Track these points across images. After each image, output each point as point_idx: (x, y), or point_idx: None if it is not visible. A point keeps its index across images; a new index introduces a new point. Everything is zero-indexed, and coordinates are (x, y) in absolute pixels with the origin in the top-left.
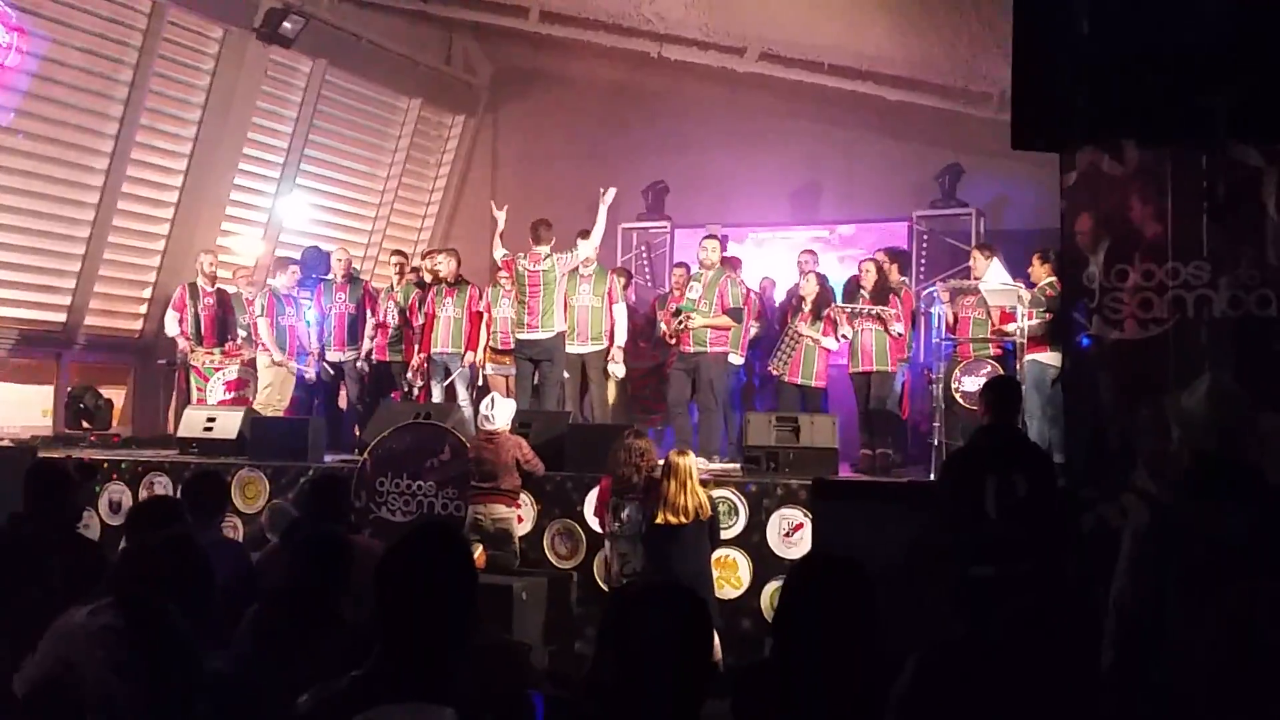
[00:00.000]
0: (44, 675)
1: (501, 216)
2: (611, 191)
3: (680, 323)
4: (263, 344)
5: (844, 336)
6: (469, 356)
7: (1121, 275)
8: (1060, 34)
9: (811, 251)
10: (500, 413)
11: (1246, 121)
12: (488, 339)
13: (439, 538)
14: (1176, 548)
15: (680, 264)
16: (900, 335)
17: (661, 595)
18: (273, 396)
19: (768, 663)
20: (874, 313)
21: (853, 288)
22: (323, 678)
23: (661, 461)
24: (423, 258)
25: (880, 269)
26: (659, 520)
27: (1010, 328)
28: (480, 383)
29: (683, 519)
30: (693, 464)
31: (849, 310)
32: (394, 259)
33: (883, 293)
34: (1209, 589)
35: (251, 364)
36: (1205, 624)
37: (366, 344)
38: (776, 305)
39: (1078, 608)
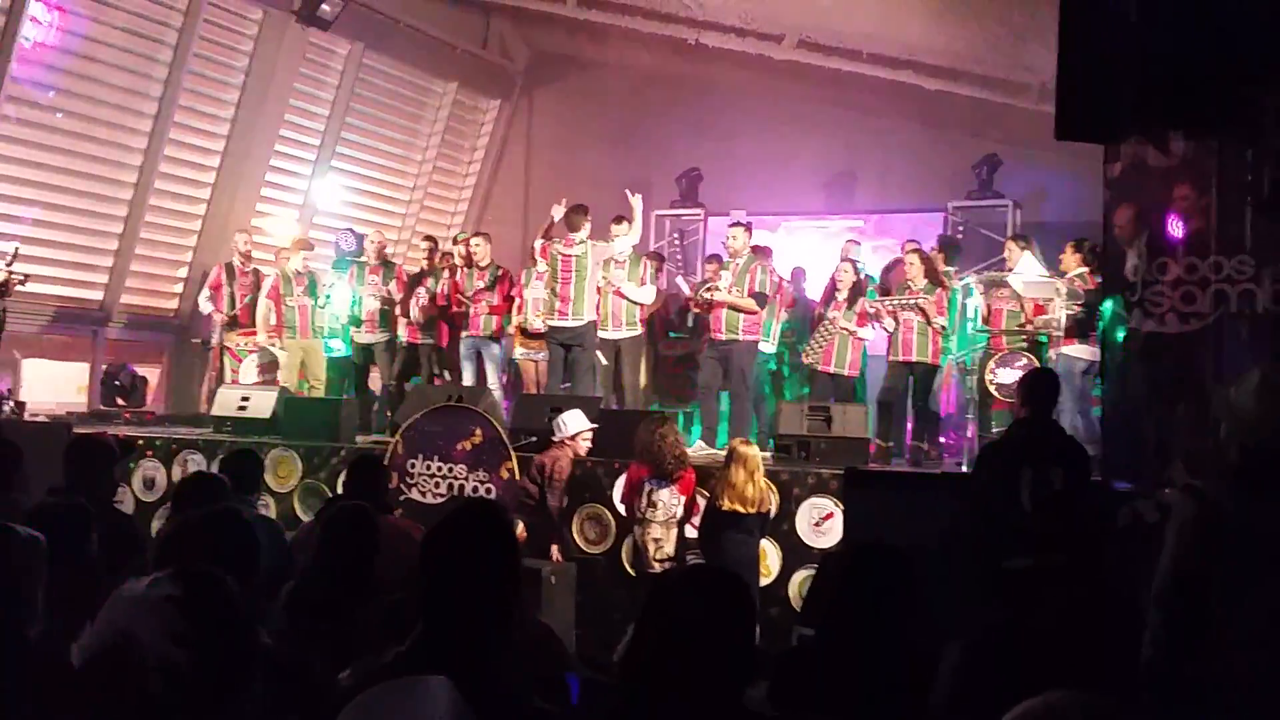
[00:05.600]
0: (103, 645)
1: (558, 213)
2: (638, 201)
3: (703, 295)
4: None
5: (885, 329)
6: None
7: (1163, 268)
8: (1108, 23)
9: (855, 241)
10: (570, 421)
11: None
12: (518, 323)
13: (484, 515)
14: (1224, 543)
15: (712, 256)
16: (943, 327)
17: (707, 580)
18: (291, 378)
19: (807, 648)
20: (917, 304)
21: (899, 280)
22: (358, 653)
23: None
24: (455, 242)
25: (924, 258)
26: (726, 507)
27: (1039, 320)
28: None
29: (750, 509)
30: (759, 455)
31: (892, 305)
32: (424, 243)
33: (934, 282)
34: (1256, 585)
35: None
36: (1251, 620)
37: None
38: (807, 294)
39: (1118, 601)
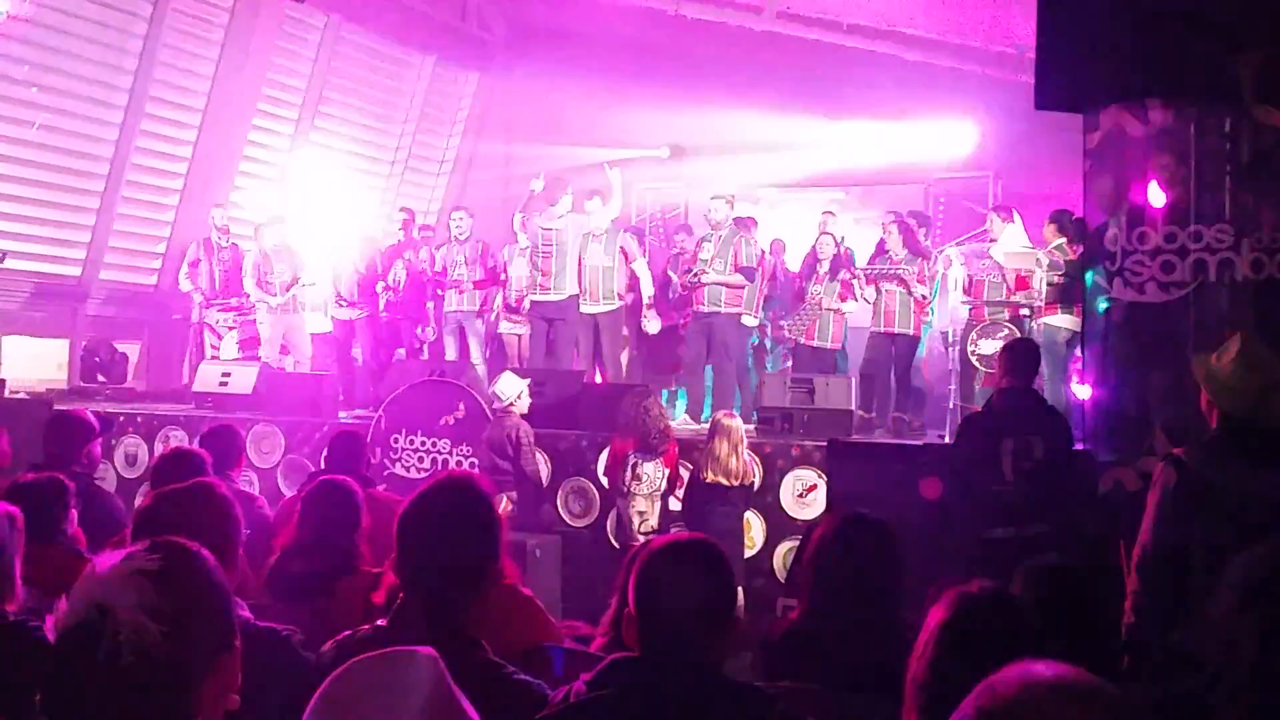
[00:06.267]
0: (77, 620)
1: (538, 186)
2: (617, 174)
3: (694, 276)
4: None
5: (865, 299)
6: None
7: (1143, 237)
8: None
9: (831, 212)
10: (506, 386)
11: (1273, 83)
12: (502, 298)
13: (463, 488)
14: (1204, 510)
15: (683, 226)
16: (924, 298)
17: (688, 551)
18: (272, 353)
19: (790, 619)
20: (897, 273)
21: (881, 249)
22: (340, 627)
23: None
24: (450, 216)
25: (905, 228)
26: (709, 479)
27: (1018, 297)
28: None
29: (734, 481)
30: (742, 428)
31: (870, 272)
32: (401, 214)
33: (915, 252)
34: (1236, 551)
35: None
36: (1227, 585)
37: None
38: (787, 266)
39: (1098, 568)
